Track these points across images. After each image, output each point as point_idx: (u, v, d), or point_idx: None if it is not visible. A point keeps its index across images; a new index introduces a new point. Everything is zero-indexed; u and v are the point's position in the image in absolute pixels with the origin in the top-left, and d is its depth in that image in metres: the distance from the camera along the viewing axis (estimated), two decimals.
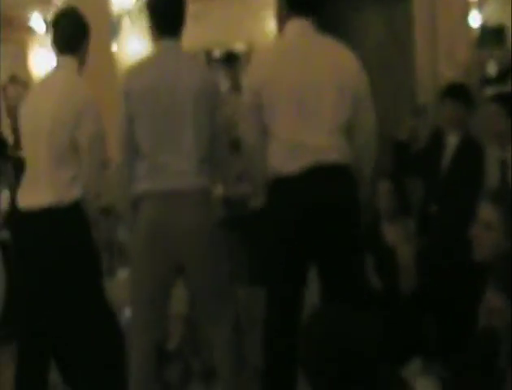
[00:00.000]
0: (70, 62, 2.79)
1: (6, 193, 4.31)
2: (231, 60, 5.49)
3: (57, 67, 2.82)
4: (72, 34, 2.80)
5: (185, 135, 2.51)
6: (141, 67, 2.68)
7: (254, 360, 2.96)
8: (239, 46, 6.97)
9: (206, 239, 2.53)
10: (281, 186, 2.47)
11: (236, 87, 5.05)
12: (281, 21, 2.87)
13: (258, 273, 3.11)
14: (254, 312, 3.42)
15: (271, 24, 6.74)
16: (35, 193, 2.67)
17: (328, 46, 2.57)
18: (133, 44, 8.03)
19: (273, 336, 2.57)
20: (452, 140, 3.54)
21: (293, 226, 2.42)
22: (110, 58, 5.13)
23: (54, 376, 3.14)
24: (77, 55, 2.81)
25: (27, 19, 7.66)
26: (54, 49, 2.84)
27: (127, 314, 3.17)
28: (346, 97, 2.47)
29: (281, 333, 2.53)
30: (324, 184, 2.42)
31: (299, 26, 2.55)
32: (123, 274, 3.63)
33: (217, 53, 7.85)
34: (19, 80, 7.60)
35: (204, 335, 3.31)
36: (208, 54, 7.92)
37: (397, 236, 3.40)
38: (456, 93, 3.59)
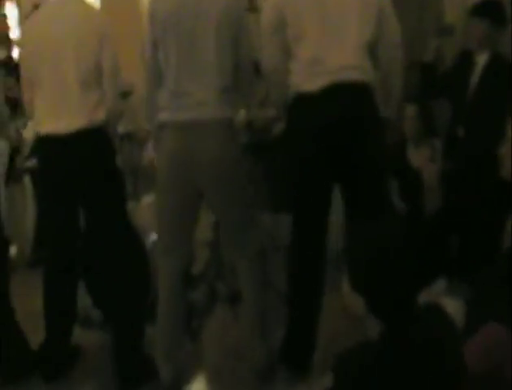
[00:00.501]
0: None
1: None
2: None
3: None
4: None
5: (207, 63, 2.46)
6: None
7: (279, 285, 3.02)
8: None
9: (226, 168, 2.52)
10: (302, 103, 2.44)
11: (253, 9, 4.92)
12: None
13: (282, 199, 3.10)
14: (279, 238, 3.46)
15: None
16: (62, 119, 2.68)
17: None
18: None
19: (298, 261, 2.58)
20: (480, 60, 3.42)
21: (313, 143, 2.40)
22: None
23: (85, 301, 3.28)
24: None
25: None
26: None
27: (151, 238, 3.23)
28: (370, 13, 2.40)
29: (306, 257, 2.55)
30: (345, 101, 2.37)
31: None
32: (147, 199, 3.65)
33: None
34: None
35: (229, 260, 3.39)
36: None
37: (422, 158, 3.36)
38: (484, 10, 3.44)
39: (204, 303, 3.29)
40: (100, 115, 2.70)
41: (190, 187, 2.55)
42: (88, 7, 2.85)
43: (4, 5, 8.36)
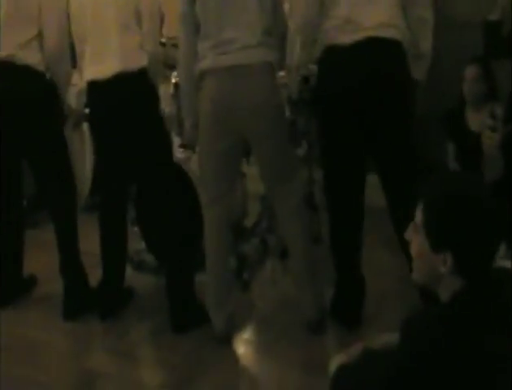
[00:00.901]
0: None
1: None
2: None
3: None
4: None
5: (249, 6, 2.44)
6: None
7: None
8: None
9: (270, 110, 2.51)
10: (333, 55, 2.41)
11: None
12: None
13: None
14: None
15: None
16: (103, 64, 2.71)
17: None
18: None
19: (337, 219, 2.61)
20: None
21: (343, 95, 2.38)
22: None
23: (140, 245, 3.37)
24: None
25: None
26: None
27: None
28: None
29: (344, 216, 2.58)
30: (377, 55, 2.34)
31: None
32: None
33: None
34: None
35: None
36: None
37: (482, 122, 3.26)
38: None
39: (255, 255, 3.33)
40: (140, 60, 2.70)
41: (234, 133, 2.54)
42: None
43: None
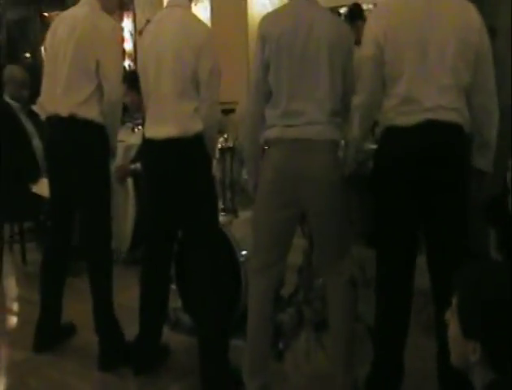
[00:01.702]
0: (184, 0, 2.87)
1: (140, 129, 4.57)
2: (355, 13, 5.37)
3: (172, 5, 2.88)
4: None
5: (321, 84, 2.50)
6: (278, 14, 2.67)
7: (367, 320, 3.02)
8: (365, 6, 6.83)
9: (332, 187, 2.54)
10: (393, 136, 2.43)
11: (359, 41, 4.95)
12: None
13: (373, 234, 3.12)
14: (369, 272, 3.47)
15: None
16: (160, 126, 2.79)
17: (451, 0, 2.45)
18: None
19: (385, 299, 2.58)
20: None
21: (402, 176, 2.39)
22: (243, 7, 5.20)
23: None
24: None
25: None
26: None
27: (244, 253, 3.30)
28: (469, 57, 2.38)
29: (393, 295, 2.55)
30: (438, 138, 2.35)
31: None
32: (244, 214, 3.73)
33: (342, 10, 7.76)
34: None
35: (317, 286, 3.43)
36: (333, 11, 7.84)
37: None
38: None
39: (291, 326, 3.31)
40: (196, 125, 2.77)
41: (293, 204, 2.57)
42: (192, 20, 2.90)
43: (122, 18, 8.85)
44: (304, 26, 2.52)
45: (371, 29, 2.50)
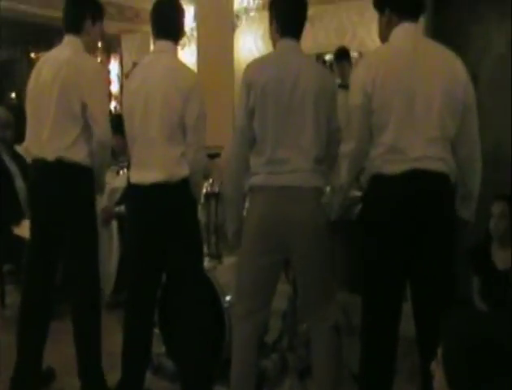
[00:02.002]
0: (170, 46, 2.90)
1: (125, 172, 4.56)
2: (342, 54, 5.57)
3: (159, 51, 2.92)
4: (170, 21, 2.92)
5: (306, 132, 2.54)
6: (264, 62, 2.71)
7: (352, 366, 2.97)
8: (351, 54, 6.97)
9: (316, 232, 2.57)
10: (380, 184, 2.45)
11: (344, 82, 5.04)
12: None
13: (357, 280, 3.12)
14: (354, 319, 3.45)
15: None
16: (147, 171, 2.80)
17: (438, 52, 2.50)
18: (247, 39, 8.23)
19: (370, 346, 2.57)
20: None
21: (388, 224, 2.41)
22: (230, 52, 5.28)
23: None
24: (174, 40, 2.92)
25: None
26: (153, 34, 2.93)
27: (228, 299, 3.28)
28: (456, 109, 2.41)
29: (378, 342, 2.54)
30: (424, 186, 2.37)
31: (408, 30, 2.50)
32: (228, 260, 3.71)
33: (327, 57, 7.92)
34: None
35: (302, 332, 3.40)
36: (319, 58, 8.00)
37: (509, 260, 3.32)
38: None
39: (275, 372, 3.28)
40: (182, 170, 2.79)
41: (278, 250, 2.60)
42: (179, 65, 2.93)
43: (109, 60, 8.96)
44: (290, 75, 2.56)
45: (360, 78, 2.52)
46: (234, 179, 2.72)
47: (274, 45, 2.76)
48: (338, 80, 5.56)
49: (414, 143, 2.37)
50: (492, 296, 3.30)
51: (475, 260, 3.52)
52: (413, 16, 2.51)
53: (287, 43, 2.67)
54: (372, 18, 7.94)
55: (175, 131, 2.78)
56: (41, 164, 2.99)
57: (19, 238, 4.12)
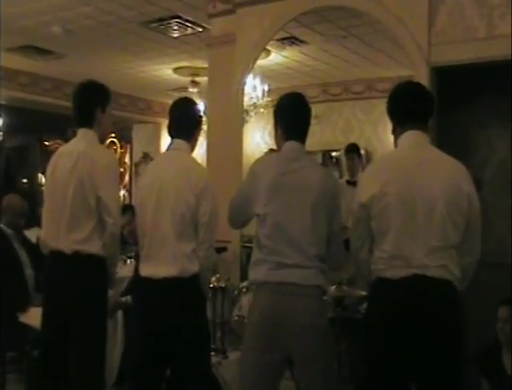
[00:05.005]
0: (185, 145, 3.02)
1: (132, 262, 4.60)
2: (352, 148, 5.77)
3: (174, 149, 3.03)
4: (186, 122, 3.06)
5: (304, 231, 2.59)
6: (269, 160, 2.85)
7: None
8: None
9: (316, 332, 2.56)
10: (382, 289, 2.47)
11: (353, 182, 5.19)
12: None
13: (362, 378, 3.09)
14: None
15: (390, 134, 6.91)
16: (158, 266, 2.84)
17: (442, 162, 2.52)
18: (256, 135, 8.47)
19: None
20: None
21: (389, 328, 2.40)
22: (239, 146, 5.43)
23: None
24: (189, 140, 3.05)
25: (164, 105, 8.30)
26: (169, 133, 3.07)
27: None
28: (457, 218, 2.41)
29: None
30: (425, 295, 2.38)
31: (411, 138, 2.53)
32: (234, 355, 3.69)
33: (334, 153, 8.11)
34: (151, 158, 8.20)
35: None
36: (325, 154, 8.20)
37: None
38: None
39: None
40: (193, 266, 2.83)
41: (279, 349, 2.58)
42: (193, 163, 3.03)
43: (125, 151, 9.22)
44: (293, 173, 2.65)
45: (360, 188, 2.61)
46: None
47: (279, 148, 2.83)
48: (346, 177, 5.73)
49: (415, 252, 2.39)
50: None
51: (484, 364, 3.48)
52: (416, 123, 2.55)
53: (291, 145, 2.75)
54: (379, 117, 8.23)
55: (187, 227, 2.85)
56: (58, 256, 3.04)
57: (23, 326, 4.10)
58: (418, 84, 2.78)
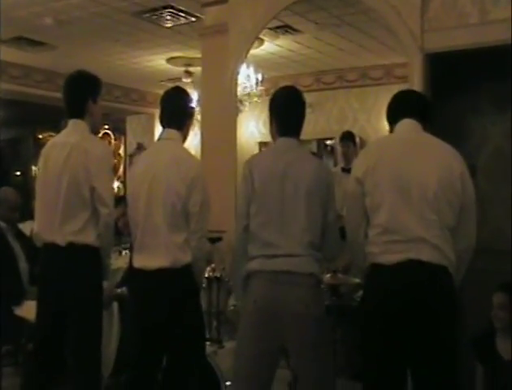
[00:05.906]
0: (177, 134, 3.01)
1: (127, 253, 4.59)
2: (347, 136, 5.78)
3: (165, 138, 3.03)
4: (178, 112, 3.05)
5: (297, 220, 2.60)
6: (261, 155, 2.92)
7: None
8: None
9: (312, 322, 2.57)
10: (377, 275, 2.49)
11: (348, 169, 5.17)
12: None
13: (358, 366, 3.10)
14: None
15: (384, 122, 6.92)
16: (151, 257, 2.85)
17: (435, 145, 2.58)
18: (250, 124, 8.45)
19: None
20: None
21: (385, 316, 2.43)
22: (233, 136, 5.41)
23: None
24: (181, 129, 3.03)
25: (158, 96, 8.26)
26: (161, 123, 3.07)
27: (229, 384, 3.24)
28: (452, 198, 2.45)
29: None
30: (420, 281, 2.40)
31: (408, 124, 2.62)
32: (229, 344, 3.68)
33: (330, 142, 8.11)
34: (145, 148, 8.20)
35: None
36: (320, 143, 8.20)
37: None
38: None
39: None
40: (185, 257, 2.84)
41: (273, 338, 2.59)
42: (184, 153, 3.02)
43: (120, 142, 9.20)
44: (287, 165, 2.65)
45: (355, 166, 2.67)
46: (235, 269, 2.78)
47: (274, 141, 2.85)
48: (341, 164, 5.73)
49: (410, 223, 2.42)
50: (495, 387, 3.26)
51: (479, 349, 3.49)
52: (411, 115, 2.63)
53: (285, 139, 2.77)
54: (372, 104, 8.22)
55: (179, 217, 2.85)
56: (52, 249, 3.03)
57: (18, 319, 4.10)
58: (413, 90, 3.02)
